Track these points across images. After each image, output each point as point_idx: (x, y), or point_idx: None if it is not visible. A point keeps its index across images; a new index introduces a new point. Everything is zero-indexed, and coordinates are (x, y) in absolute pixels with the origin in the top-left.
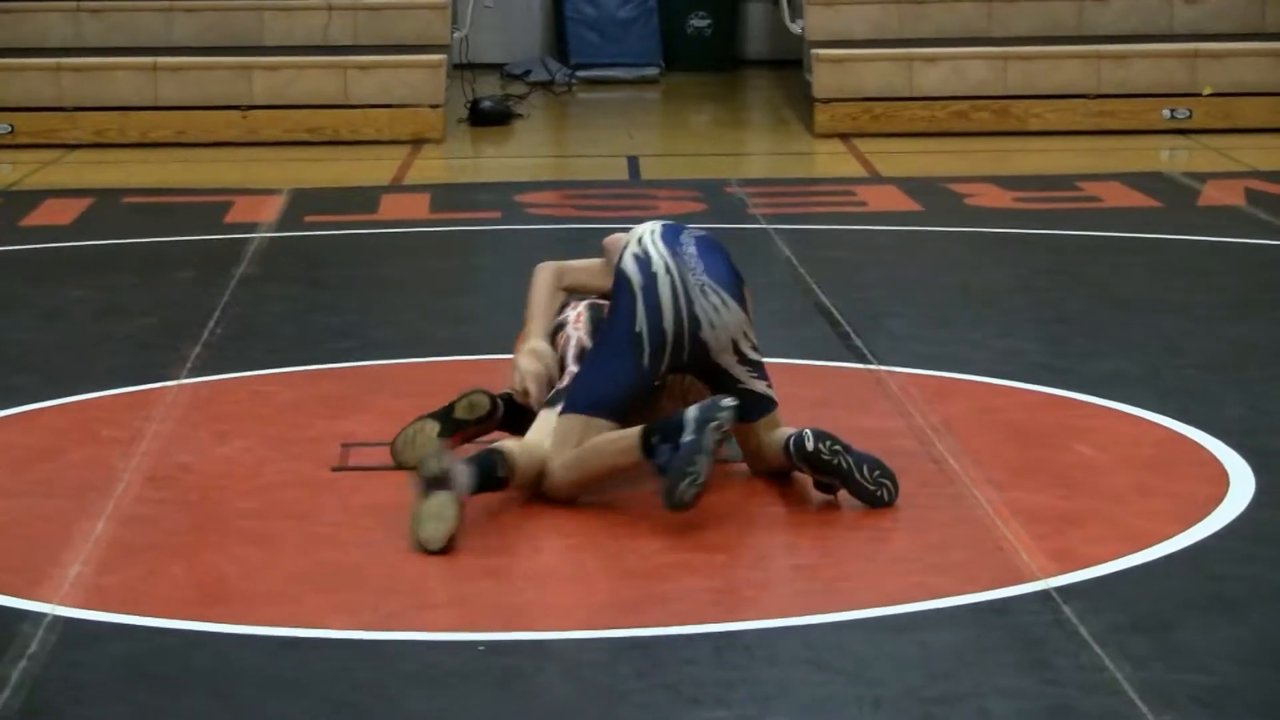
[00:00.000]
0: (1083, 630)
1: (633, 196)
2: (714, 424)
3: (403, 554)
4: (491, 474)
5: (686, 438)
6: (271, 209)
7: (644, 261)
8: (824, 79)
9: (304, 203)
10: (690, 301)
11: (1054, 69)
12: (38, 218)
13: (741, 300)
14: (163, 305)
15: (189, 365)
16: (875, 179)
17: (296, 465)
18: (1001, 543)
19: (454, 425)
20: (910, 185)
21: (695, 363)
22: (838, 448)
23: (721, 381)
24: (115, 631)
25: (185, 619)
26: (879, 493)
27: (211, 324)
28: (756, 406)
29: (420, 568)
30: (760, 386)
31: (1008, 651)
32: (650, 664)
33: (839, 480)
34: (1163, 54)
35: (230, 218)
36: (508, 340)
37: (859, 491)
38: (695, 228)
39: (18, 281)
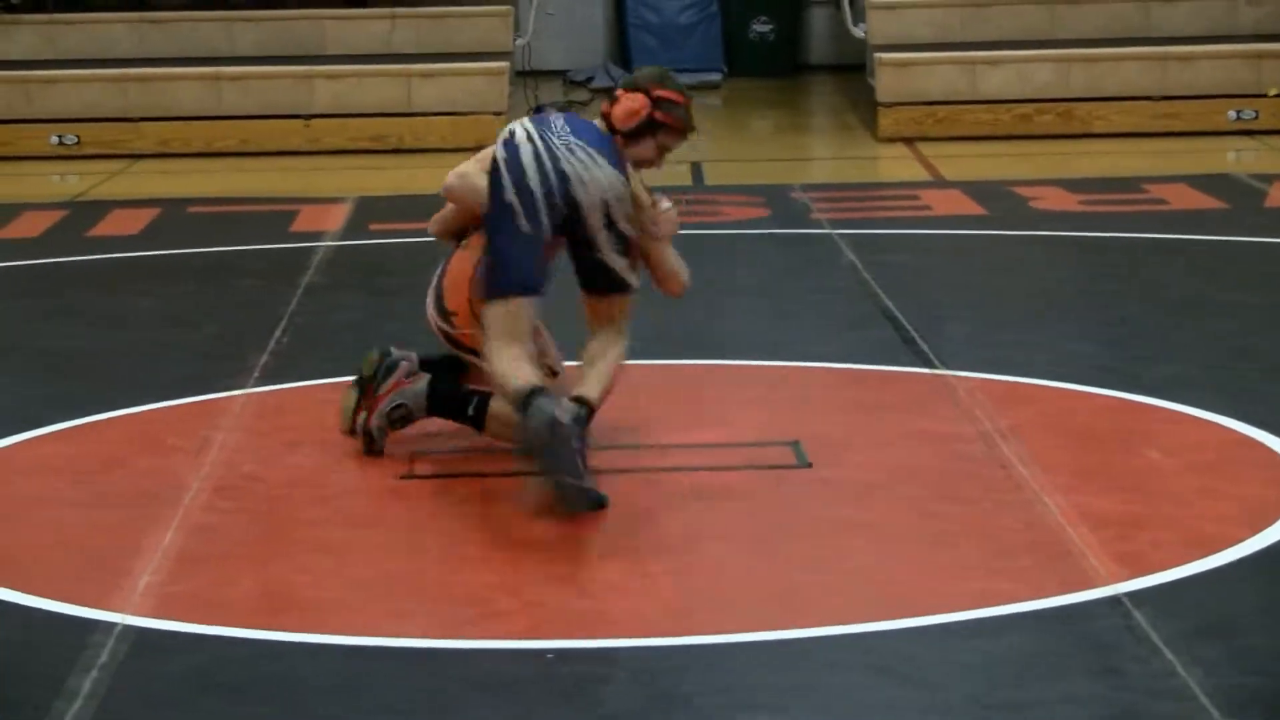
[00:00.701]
0: (1153, 635)
1: (697, 202)
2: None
3: (470, 562)
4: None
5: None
6: (336, 218)
7: (508, 139)
8: (887, 83)
9: (368, 211)
10: (555, 159)
11: (1118, 71)
12: (105, 228)
13: (619, 167)
14: (229, 314)
15: (256, 374)
16: (939, 183)
17: (364, 474)
18: (1069, 547)
19: (361, 385)
20: (974, 189)
21: (572, 225)
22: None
23: (586, 251)
24: (185, 641)
25: (253, 628)
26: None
27: (278, 332)
28: (608, 280)
29: (487, 576)
30: (619, 264)
31: (1077, 657)
32: (713, 670)
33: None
34: (1228, 55)
35: (295, 226)
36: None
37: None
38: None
39: (85, 291)
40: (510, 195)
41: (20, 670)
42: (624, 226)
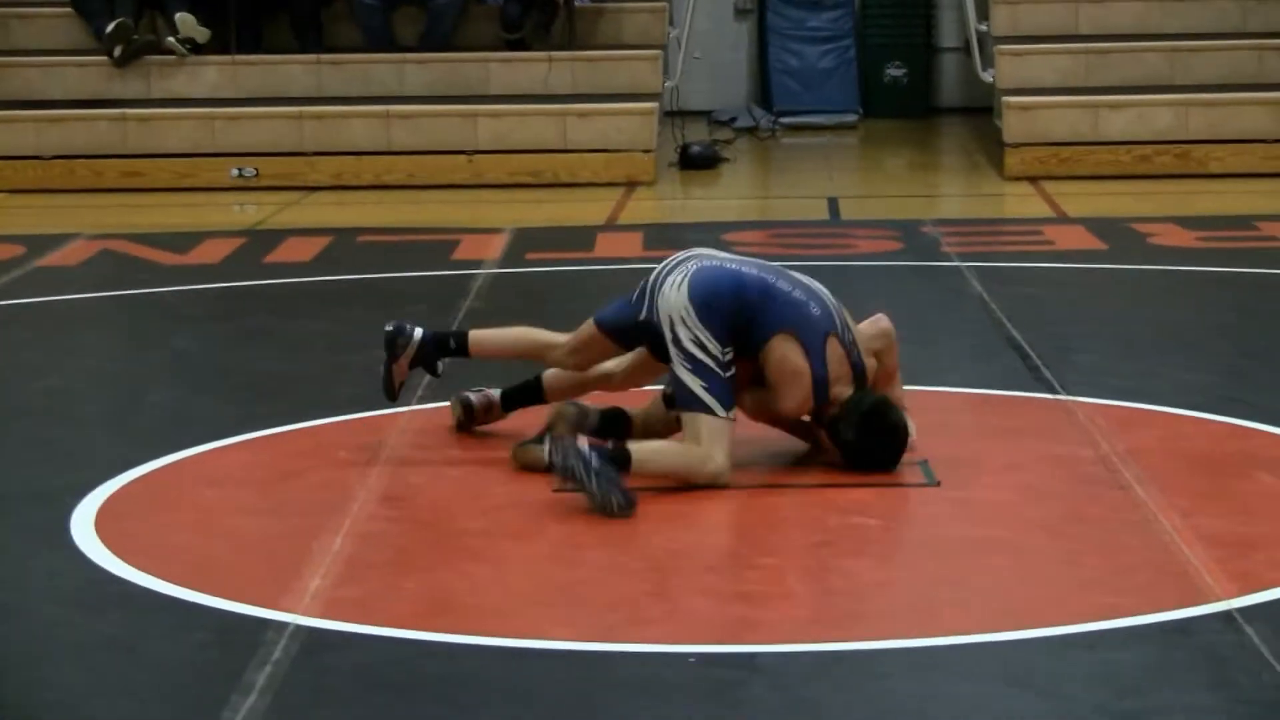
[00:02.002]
0: (1265, 650)
1: (832, 235)
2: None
3: (620, 571)
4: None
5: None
6: (495, 247)
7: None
8: (1014, 125)
9: (525, 241)
10: (664, 278)
11: (1235, 115)
12: (281, 254)
13: (700, 306)
14: None
15: (420, 393)
16: (1062, 219)
17: (520, 487)
18: (1186, 565)
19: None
20: (1096, 225)
21: (656, 325)
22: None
23: (667, 356)
24: (352, 641)
25: (417, 630)
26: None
27: None
28: (678, 395)
29: (636, 584)
30: (687, 377)
31: (1193, 670)
32: (850, 678)
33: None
34: None
35: (457, 255)
36: None
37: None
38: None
39: (263, 314)
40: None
41: (203, 665)
42: (688, 347)
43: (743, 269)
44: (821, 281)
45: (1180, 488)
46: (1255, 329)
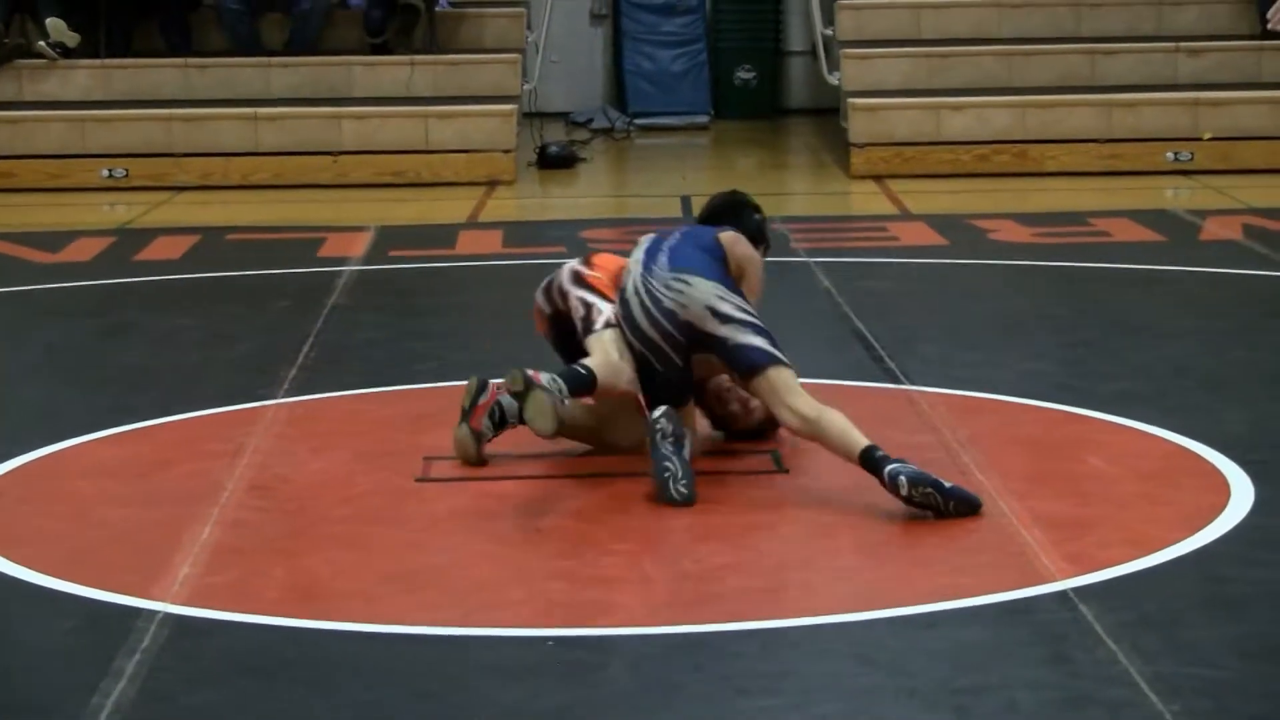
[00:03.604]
0: (1098, 627)
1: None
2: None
3: (481, 557)
4: (579, 376)
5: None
6: (360, 244)
7: (621, 294)
8: (859, 126)
9: (389, 239)
10: (657, 301)
11: (1069, 116)
12: (150, 253)
13: (713, 271)
14: (262, 332)
15: (286, 386)
16: (906, 216)
17: (384, 476)
18: (1023, 547)
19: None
20: (938, 222)
21: (693, 338)
22: (928, 490)
23: (716, 347)
24: (220, 627)
25: (284, 616)
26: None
27: (306, 349)
28: (747, 358)
29: (496, 569)
30: (750, 338)
31: (1031, 647)
32: (705, 658)
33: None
34: (1168, 102)
35: (323, 252)
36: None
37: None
38: (688, 228)
39: (133, 310)
40: (640, 348)
41: (74, 653)
42: (737, 315)
43: (670, 238)
44: None
45: (1016, 472)
46: (1087, 320)
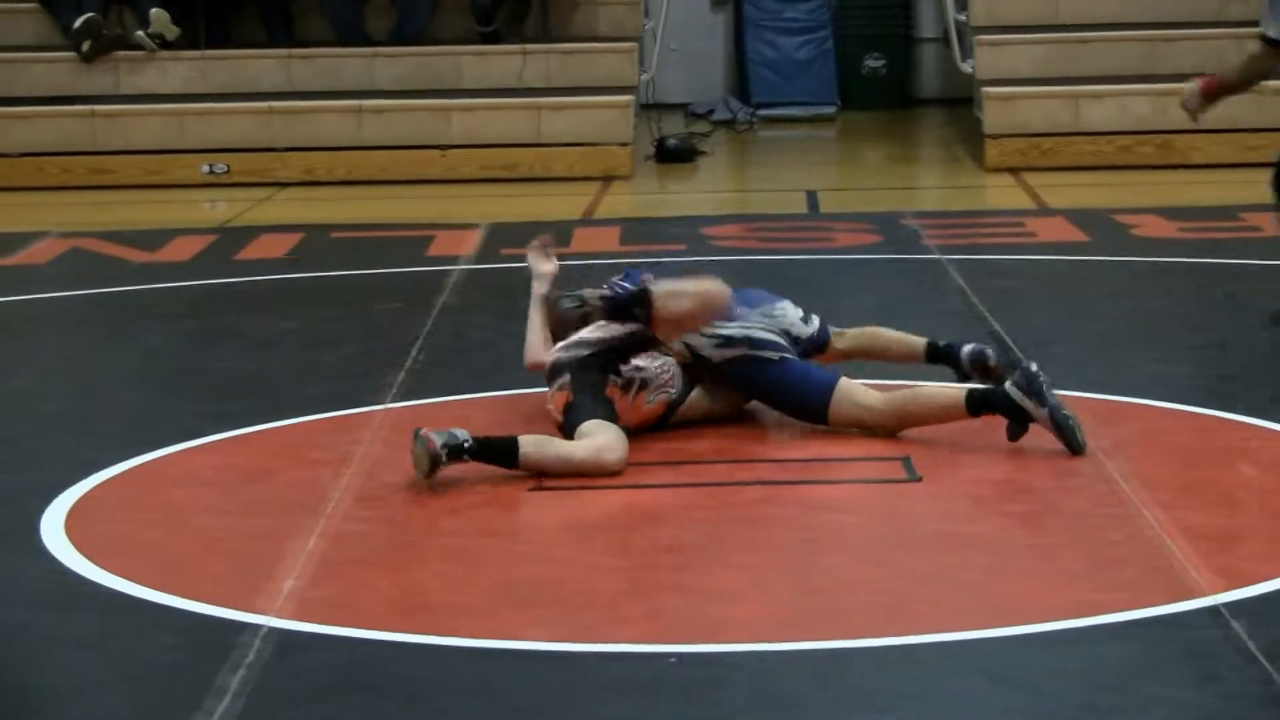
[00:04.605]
0: (1251, 645)
1: (811, 229)
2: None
3: (596, 570)
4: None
5: (1040, 405)
6: (470, 242)
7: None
8: (993, 116)
9: (500, 236)
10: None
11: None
12: (251, 252)
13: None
14: (368, 334)
15: (394, 390)
16: (1044, 211)
17: (495, 486)
18: (1171, 560)
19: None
20: (1077, 216)
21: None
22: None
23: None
24: (325, 642)
25: (390, 630)
26: (1077, 433)
27: (415, 351)
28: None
29: (613, 583)
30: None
31: (1178, 665)
32: (829, 676)
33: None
34: None
35: (431, 251)
36: None
37: (1058, 430)
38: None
39: (233, 312)
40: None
41: (176, 668)
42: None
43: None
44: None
45: (1163, 481)
46: (1235, 320)
